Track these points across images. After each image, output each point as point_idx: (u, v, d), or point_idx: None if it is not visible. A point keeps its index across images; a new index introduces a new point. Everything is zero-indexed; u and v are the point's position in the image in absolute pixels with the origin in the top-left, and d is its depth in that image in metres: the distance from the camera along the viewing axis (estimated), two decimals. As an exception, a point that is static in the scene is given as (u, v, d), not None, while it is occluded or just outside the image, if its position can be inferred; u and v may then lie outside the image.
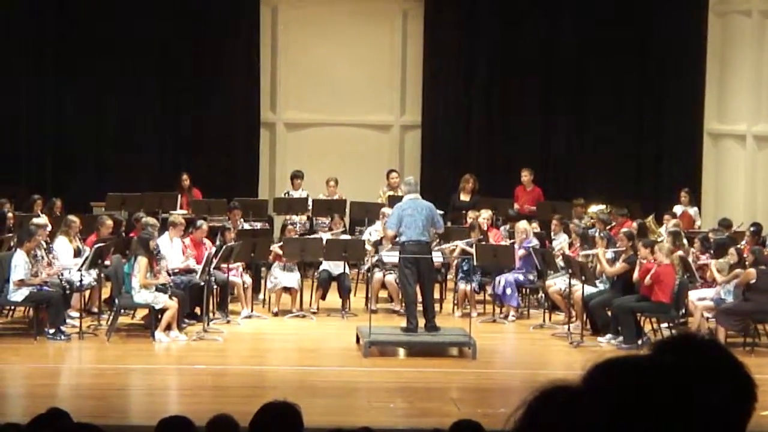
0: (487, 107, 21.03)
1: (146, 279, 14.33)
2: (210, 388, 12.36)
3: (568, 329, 15.11)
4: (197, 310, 15.29)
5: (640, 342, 14.21)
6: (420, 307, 14.39)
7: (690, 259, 15.58)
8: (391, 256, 15.59)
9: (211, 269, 14.91)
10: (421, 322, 14.22)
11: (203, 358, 13.65)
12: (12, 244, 15.28)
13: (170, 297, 14.48)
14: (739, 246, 15.41)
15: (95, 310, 15.42)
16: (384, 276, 16.28)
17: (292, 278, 16.09)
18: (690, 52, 20.58)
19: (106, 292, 15.68)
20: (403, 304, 14.92)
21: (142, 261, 14.30)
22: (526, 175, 19.62)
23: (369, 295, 16.27)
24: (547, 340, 15.19)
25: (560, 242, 16.82)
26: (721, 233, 16.63)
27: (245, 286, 16.03)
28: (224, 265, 15.33)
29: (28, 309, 14.80)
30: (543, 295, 16.49)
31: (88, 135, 20.49)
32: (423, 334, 14.11)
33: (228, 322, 15.45)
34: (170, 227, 15.65)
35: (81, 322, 14.49)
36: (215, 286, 15.51)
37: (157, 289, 14.49)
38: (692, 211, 18.99)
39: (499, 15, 20.73)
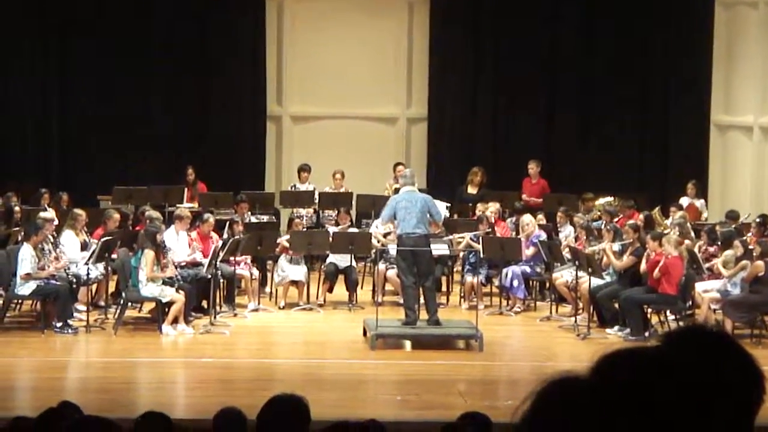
0: (494, 99, 21.01)
1: (153, 272, 14.34)
2: (217, 381, 12.37)
3: (575, 321, 15.09)
4: (204, 303, 15.31)
5: (647, 334, 14.22)
6: (422, 301, 14.36)
7: (697, 251, 15.55)
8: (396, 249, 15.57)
9: (218, 262, 14.92)
10: (424, 315, 14.16)
11: (210, 352, 13.66)
12: (19, 238, 15.28)
13: (177, 290, 14.50)
14: (744, 238, 15.37)
15: (102, 303, 15.43)
16: (387, 269, 16.28)
17: (299, 271, 16.10)
18: (697, 44, 20.54)
19: (113, 286, 15.70)
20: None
21: (149, 254, 14.31)
22: (533, 167, 19.62)
23: (375, 288, 16.27)
24: (554, 332, 15.18)
25: (566, 234, 16.82)
26: (728, 225, 16.60)
27: (252, 279, 16.04)
28: (231, 258, 15.34)
29: (36, 302, 14.82)
30: (549, 287, 16.48)
31: (95, 128, 20.47)
32: (429, 326, 14.08)
33: (235, 315, 15.47)
34: (176, 220, 15.67)
35: (88, 316, 14.52)
36: (222, 280, 15.52)
37: (164, 283, 14.51)
38: (699, 203, 18.97)
39: (504, 8, 20.71)
